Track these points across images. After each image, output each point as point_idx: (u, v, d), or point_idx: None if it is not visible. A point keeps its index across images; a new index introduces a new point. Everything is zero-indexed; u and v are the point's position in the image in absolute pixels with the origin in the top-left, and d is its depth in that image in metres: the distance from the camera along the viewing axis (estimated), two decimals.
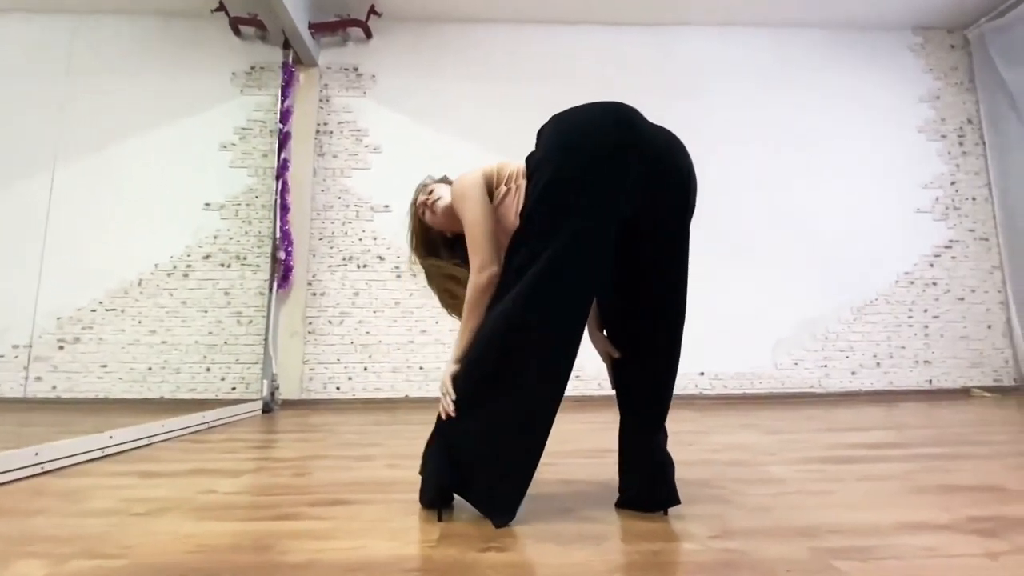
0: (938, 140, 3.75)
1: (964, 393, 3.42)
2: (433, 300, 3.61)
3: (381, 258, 3.47)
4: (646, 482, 1.09)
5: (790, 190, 3.65)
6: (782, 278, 3.53)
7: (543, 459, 1.46)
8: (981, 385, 3.44)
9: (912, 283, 3.57)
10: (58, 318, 3.23)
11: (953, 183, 3.71)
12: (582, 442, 1.92)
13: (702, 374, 3.41)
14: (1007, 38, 3.60)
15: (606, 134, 1.03)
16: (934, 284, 3.57)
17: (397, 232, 3.49)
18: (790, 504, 1.13)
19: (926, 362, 3.48)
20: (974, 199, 3.68)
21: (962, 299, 3.56)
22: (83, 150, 3.36)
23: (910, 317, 3.53)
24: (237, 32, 3.52)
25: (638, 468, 1.11)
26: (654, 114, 3.87)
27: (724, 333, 3.43)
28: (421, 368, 3.34)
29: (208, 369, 3.25)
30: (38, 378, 3.18)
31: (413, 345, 3.37)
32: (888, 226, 3.62)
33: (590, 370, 3.35)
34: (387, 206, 3.53)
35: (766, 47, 3.80)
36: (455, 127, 3.60)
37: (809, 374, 3.44)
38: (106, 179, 3.35)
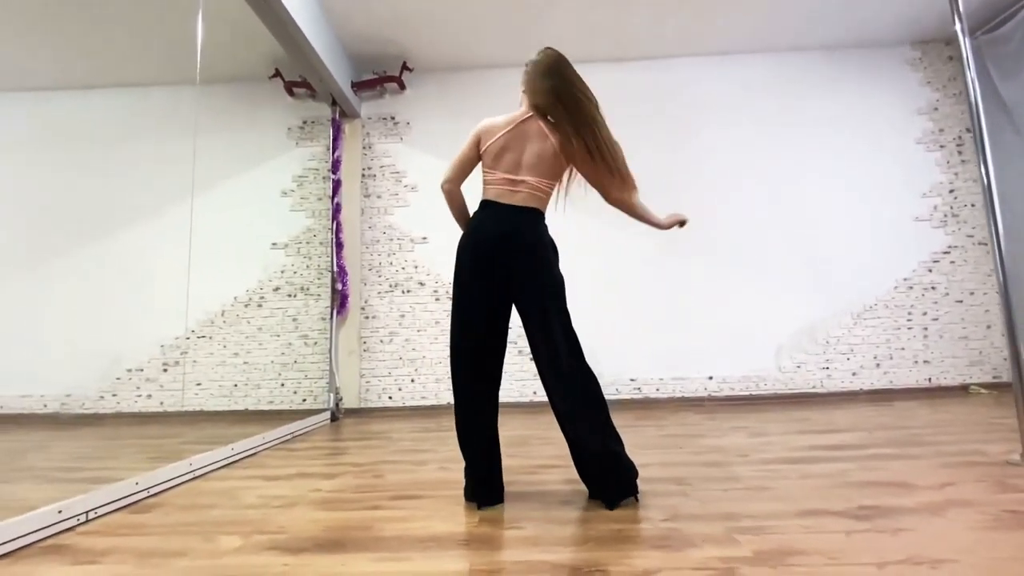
0: (936, 150, 3.95)
1: (963, 390, 3.66)
2: None
3: (422, 284, 3.98)
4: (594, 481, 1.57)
5: (792, 203, 3.93)
6: (785, 287, 3.84)
7: (560, 463, 1.92)
8: (980, 382, 3.67)
9: (911, 288, 3.81)
10: (161, 345, 3.89)
11: (952, 191, 3.90)
12: None
13: (711, 378, 3.78)
14: (1002, 50, 3.76)
15: (475, 252, 1.62)
16: (933, 288, 3.80)
17: (434, 260, 3.99)
18: (732, 497, 1.55)
19: (925, 362, 3.73)
20: (973, 205, 3.87)
21: (961, 301, 3.78)
22: (172, 202, 4.00)
23: (909, 320, 3.78)
24: (291, 93, 4.07)
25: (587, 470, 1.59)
26: (660, 142, 4.49)
27: (730, 340, 3.78)
28: None
29: (282, 384, 3.85)
30: (148, 396, 3.86)
31: None
32: (887, 235, 3.86)
33: (607, 376, 3.78)
34: (425, 238, 4.03)
35: (764, 72, 4.08)
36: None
37: (811, 375, 3.75)
38: (191, 226, 3.97)
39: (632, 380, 3.76)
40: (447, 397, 3.84)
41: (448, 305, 3.94)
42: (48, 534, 1.39)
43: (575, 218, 3.88)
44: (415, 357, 3.91)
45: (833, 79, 4.05)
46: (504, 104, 4.15)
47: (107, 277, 3.91)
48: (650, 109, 4.05)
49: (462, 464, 1.64)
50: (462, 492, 1.61)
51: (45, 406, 3.88)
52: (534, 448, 2.37)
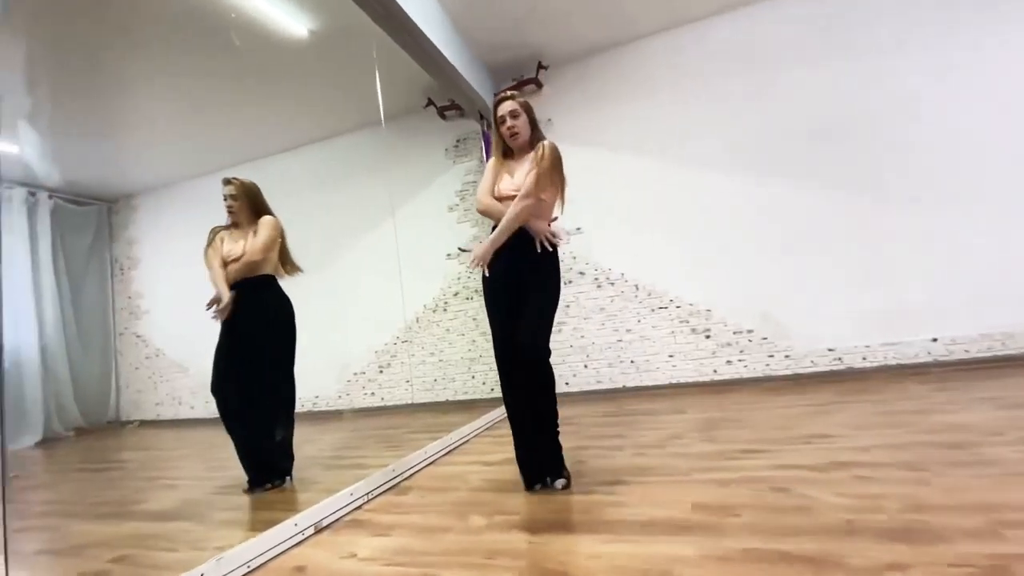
0: None
1: None
2: (633, 303, 4.04)
3: (582, 273, 4.10)
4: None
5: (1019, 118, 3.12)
6: None
7: (762, 447, 1.89)
8: None
9: None
10: (376, 351, 4.67)
11: None
12: (796, 427, 2.24)
13: (935, 340, 3.22)
14: None
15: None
16: None
17: (591, 249, 4.08)
18: (988, 485, 1.36)
19: None
20: None
21: None
22: (371, 231, 4.74)
23: None
24: (443, 117, 4.49)
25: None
26: (841, 78, 4.10)
27: (960, 292, 3.17)
28: (632, 362, 3.89)
29: (473, 377, 4.33)
30: (372, 393, 4.67)
31: (622, 343, 3.94)
32: None
33: (800, 348, 3.48)
34: (579, 228, 4.13)
35: None
36: (629, 145, 4.01)
37: None
38: (383, 249, 4.64)
39: (830, 350, 3.40)
40: (622, 380, 3.93)
41: (611, 292, 4.01)
42: (347, 511, 1.83)
43: (753, 178, 3.63)
44: (584, 344, 4.06)
45: None
46: (646, 80, 4.02)
47: (333, 298, 4.81)
48: (820, 43, 3.54)
49: (659, 450, 1.73)
50: (665, 478, 1.69)
51: (302, 406, 4.95)
52: (726, 431, 2.33)
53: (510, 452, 2.45)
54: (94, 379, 5.45)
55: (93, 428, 5.29)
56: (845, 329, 3.37)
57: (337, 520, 1.76)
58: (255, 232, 2.35)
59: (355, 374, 4.75)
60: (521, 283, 1.89)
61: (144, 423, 5.28)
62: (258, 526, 1.72)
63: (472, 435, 2.96)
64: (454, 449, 2.68)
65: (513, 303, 1.89)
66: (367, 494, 1.96)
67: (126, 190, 5.48)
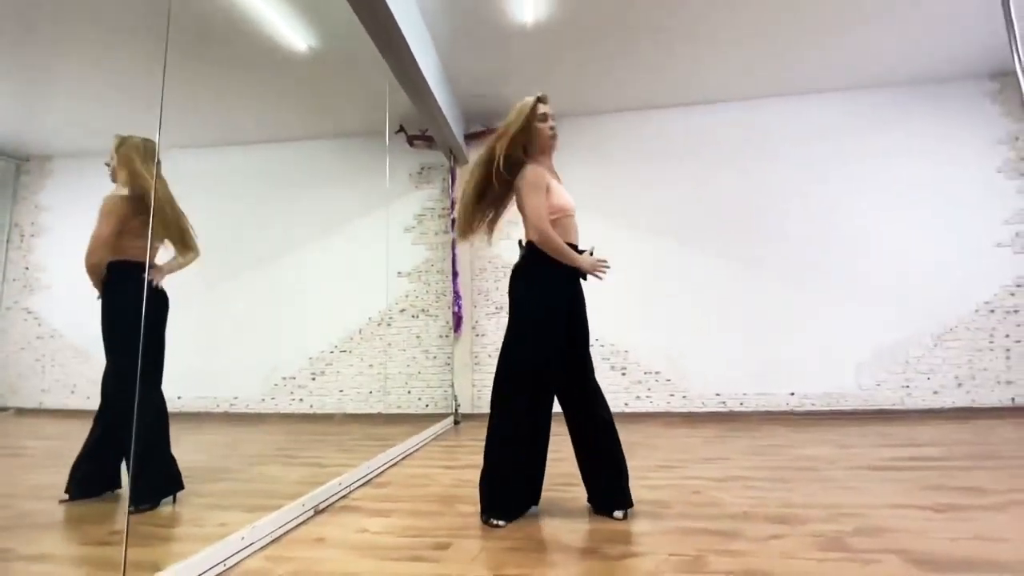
0: (1018, 178, 4.10)
1: None
2: None
3: None
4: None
5: (875, 228, 4.20)
6: (867, 308, 4.11)
7: (674, 464, 2.40)
8: None
9: (992, 311, 3.98)
10: (310, 358, 4.70)
11: None
12: (697, 452, 2.82)
13: (792, 394, 4.11)
14: None
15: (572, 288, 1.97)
16: (1016, 311, 3.96)
17: None
18: (831, 493, 1.98)
19: (1008, 382, 3.89)
20: None
21: None
22: (313, 240, 4.82)
23: (991, 342, 3.95)
24: (411, 144, 4.79)
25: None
26: (748, 176, 4.95)
27: (812, 357, 4.11)
28: None
29: (409, 392, 4.54)
30: (300, 399, 4.67)
31: None
32: (968, 259, 4.05)
33: (694, 392, 4.20)
34: None
35: (842, 108, 4.38)
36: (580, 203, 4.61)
37: (892, 393, 4.00)
38: (332, 258, 4.76)
39: (717, 395, 4.17)
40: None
41: None
42: (338, 497, 2.04)
43: (662, 244, 4.36)
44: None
45: (913, 111, 4.29)
46: (607, 148, 4.68)
47: (267, 298, 4.77)
48: (735, 145, 4.45)
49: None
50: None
51: (218, 406, 4.78)
52: (645, 451, 2.85)
53: (452, 458, 2.76)
54: None
55: None
56: (729, 379, 4.16)
57: (328, 506, 1.96)
58: None
59: (284, 378, 4.72)
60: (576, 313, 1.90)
61: (22, 411, 4.70)
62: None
63: (423, 443, 3.21)
64: (412, 454, 2.92)
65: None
66: (354, 482, 2.16)
67: (44, 151, 4.99)
